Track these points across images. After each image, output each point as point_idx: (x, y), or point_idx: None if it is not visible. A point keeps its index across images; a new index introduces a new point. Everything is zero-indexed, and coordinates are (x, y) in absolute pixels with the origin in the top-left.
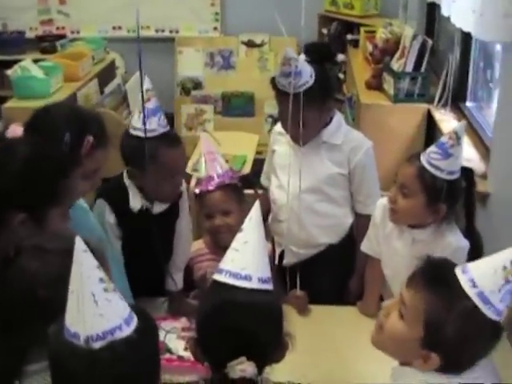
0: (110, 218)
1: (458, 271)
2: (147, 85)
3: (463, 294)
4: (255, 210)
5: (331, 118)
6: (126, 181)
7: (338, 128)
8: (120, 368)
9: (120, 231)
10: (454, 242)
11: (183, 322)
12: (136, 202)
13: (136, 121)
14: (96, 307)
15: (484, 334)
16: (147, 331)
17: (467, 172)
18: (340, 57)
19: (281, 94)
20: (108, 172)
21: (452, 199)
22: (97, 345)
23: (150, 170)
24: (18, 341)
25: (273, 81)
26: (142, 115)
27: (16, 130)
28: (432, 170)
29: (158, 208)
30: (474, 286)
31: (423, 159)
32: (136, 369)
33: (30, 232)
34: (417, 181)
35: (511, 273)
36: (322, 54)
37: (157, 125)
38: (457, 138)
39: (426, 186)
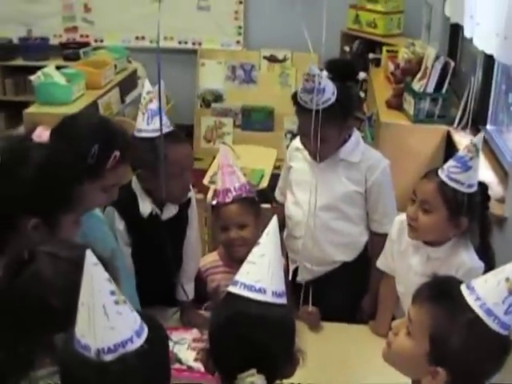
0: (120, 224)
1: (462, 286)
2: (148, 87)
3: (467, 307)
4: (273, 225)
5: (349, 136)
6: (135, 186)
7: (356, 146)
8: (131, 380)
9: (129, 238)
10: (468, 261)
11: (194, 333)
12: (146, 207)
13: (141, 123)
14: (107, 320)
15: (490, 347)
16: (157, 341)
17: (482, 186)
18: (361, 75)
19: (302, 110)
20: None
21: (472, 212)
22: (108, 357)
23: (160, 168)
24: (26, 346)
25: (294, 96)
26: (146, 116)
27: (42, 134)
28: (452, 183)
29: (167, 214)
30: (478, 298)
31: (442, 174)
32: (147, 380)
33: (43, 237)
34: (438, 195)
35: None
36: (344, 71)
37: (167, 126)
38: (476, 150)
39: (448, 200)
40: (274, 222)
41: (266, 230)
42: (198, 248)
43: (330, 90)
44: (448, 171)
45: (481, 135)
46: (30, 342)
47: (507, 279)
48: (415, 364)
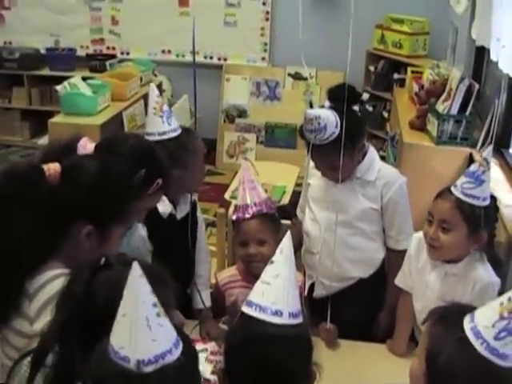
0: (142, 230)
1: (468, 313)
2: (156, 92)
3: (460, 327)
4: (286, 242)
5: (364, 154)
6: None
7: (372, 164)
8: None
9: (151, 245)
10: (485, 276)
11: (212, 345)
12: (165, 207)
13: (161, 125)
14: (149, 332)
15: (475, 371)
16: (190, 352)
17: (492, 198)
18: (365, 96)
19: (309, 145)
20: None
21: (490, 224)
22: (148, 369)
23: (191, 163)
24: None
25: (301, 131)
26: (165, 119)
27: (87, 145)
28: (468, 199)
29: (181, 213)
30: (472, 319)
31: (456, 192)
32: None
33: (93, 246)
34: (457, 213)
35: (507, 309)
36: (347, 96)
37: (177, 124)
38: (487, 163)
39: (467, 216)
40: (287, 239)
41: (280, 248)
42: (208, 253)
43: (332, 125)
44: (462, 187)
45: (490, 149)
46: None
47: (501, 303)
48: None
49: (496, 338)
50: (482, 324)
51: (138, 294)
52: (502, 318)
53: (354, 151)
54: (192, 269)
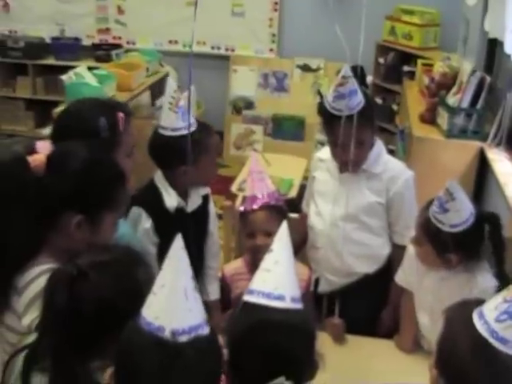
0: (147, 223)
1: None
2: (173, 86)
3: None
4: (283, 231)
5: (371, 146)
6: (158, 182)
7: (379, 156)
8: (201, 363)
9: (156, 237)
10: (482, 281)
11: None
12: (172, 200)
13: (174, 121)
14: (186, 301)
15: (480, 355)
16: (216, 334)
17: (491, 218)
18: (369, 78)
19: (335, 119)
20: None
21: (464, 248)
22: (183, 338)
23: (203, 160)
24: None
25: (322, 107)
26: (180, 114)
27: (44, 145)
28: (435, 222)
29: (192, 205)
30: (481, 306)
31: (430, 210)
32: (213, 366)
33: (84, 236)
34: (422, 232)
35: (511, 293)
36: (356, 76)
37: (193, 119)
38: (449, 194)
39: (431, 238)
40: (284, 228)
41: (278, 236)
42: (219, 245)
43: (360, 92)
44: (432, 209)
45: (453, 182)
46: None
47: (508, 288)
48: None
49: (497, 320)
50: (486, 307)
51: (178, 264)
52: (505, 300)
53: (375, 125)
54: (201, 262)
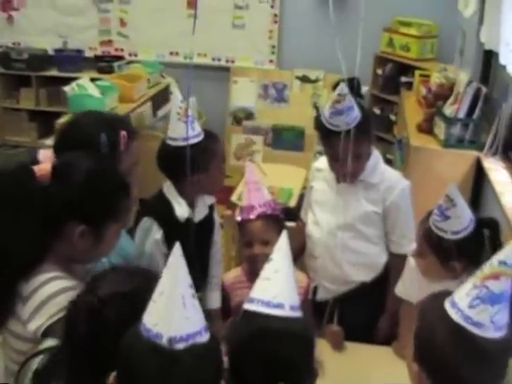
0: (158, 234)
1: None
2: (180, 97)
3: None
4: (283, 240)
5: (368, 157)
6: (168, 193)
7: (376, 167)
8: (198, 371)
9: (165, 248)
10: None
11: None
12: (183, 210)
13: (184, 131)
14: (184, 309)
15: (456, 341)
16: (217, 342)
17: (490, 223)
18: (364, 89)
19: (332, 135)
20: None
21: (467, 255)
22: (180, 346)
23: (212, 166)
24: None
25: (319, 123)
26: (189, 124)
27: (46, 154)
28: (437, 231)
29: (199, 216)
30: (452, 296)
31: (430, 220)
32: (212, 373)
33: (87, 246)
34: (425, 242)
35: (480, 278)
36: (352, 88)
37: (200, 128)
38: (450, 200)
39: (434, 247)
40: (284, 237)
41: (278, 246)
42: (221, 254)
43: (356, 107)
44: (433, 218)
45: (453, 186)
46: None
47: (475, 275)
48: (413, 373)
49: (470, 307)
50: (457, 295)
51: (177, 272)
52: (474, 286)
53: (371, 138)
54: (206, 271)
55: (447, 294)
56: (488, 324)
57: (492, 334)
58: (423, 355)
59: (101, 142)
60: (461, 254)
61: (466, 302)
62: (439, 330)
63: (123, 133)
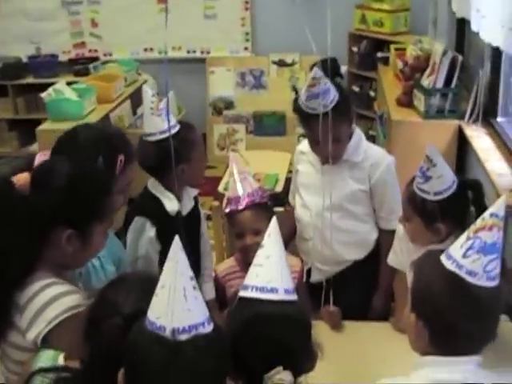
0: (151, 232)
1: None
2: (150, 91)
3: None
4: (273, 226)
5: (351, 136)
6: (154, 189)
7: (358, 145)
8: (201, 361)
9: (159, 245)
10: None
11: None
12: (173, 204)
13: (160, 124)
14: (185, 302)
15: (452, 289)
16: (222, 333)
17: (473, 185)
18: (343, 68)
19: (311, 118)
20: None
21: (451, 217)
22: (182, 337)
23: (193, 156)
24: None
25: (297, 107)
26: (163, 117)
27: (42, 158)
28: (420, 193)
29: (186, 209)
30: (447, 250)
31: (413, 184)
32: (215, 364)
33: (76, 249)
34: (409, 206)
35: (472, 230)
36: (331, 69)
37: (176, 120)
38: (429, 160)
39: (418, 210)
40: (274, 223)
41: (268, 232)
42: (209, 244)
43: (333, 89)
44: (416, 181)
45: (431, 146)
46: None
47: (468, 228)
48: (410, 327)
49: (464, 256)
50: (452, 248)
51: (177, 265)
52: (468, 238)
53: (351, 119)
54: (198, 263)
55: (441, 251)
56: (481, 273)
57: (485, 282)
58: (420, 305)
59: (97, 164)
60: (445, 216)
61: (460, 252)
62: (435, 279)
63: (121, 157)
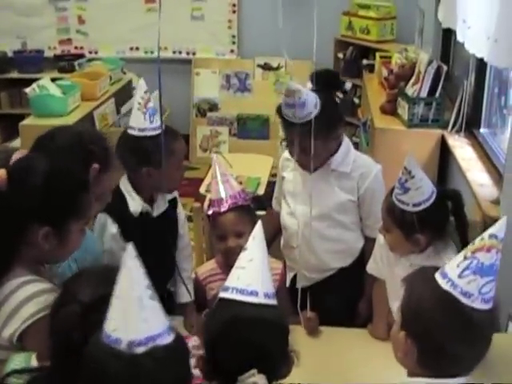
0: (113, 228)
1: None
2: (144, 87)
3: (433, 276)
4: (258, 230)
5: (339, 145)
6: (123, 187)
7: (346, 155)
8: (160, 374)
9: (123, 242)
10: None
11: (194, 340)
12: (136, 205)
13: (143, 122)
14: (141, 312)
15: (444, 312)
16: (182, 341)
17: (452, 195)
18: (348, 85)
19: (286, 123)
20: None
21: (430, 227)
22: (139, 350)
23: (169, 164)
24: None
25: (279, 110)
26: (147, 115)
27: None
28: (399, 204)
29: (158, 210)
30: (442, 268)
31: (393, 195)
32: (175, 376)
33: (52, 247)
34: (388, 217)
35: (470, 250)
36: (330, 82)
37: (159, 124)
38: (407, 172)
39: (397, 221)
40: (258, 227)
41: (252, 235)
42: (190, 247)
43: (311, 104)
44: (395, 192)
45: (410, 157)
46: None
47: (466, 248)
48: (397, 343)
49: (460, 276)
50: (448, 266)
51: (131, 274)
52: (465, 258)
53: (328, 138)
54: (173, 265)
55: (435, 268)
56: (476, 294)
57: (479, 305)
58: (410, 323)
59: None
60: (424, 227)
61: (456, 272)
62: (428, 298)
63: (95, 166)
